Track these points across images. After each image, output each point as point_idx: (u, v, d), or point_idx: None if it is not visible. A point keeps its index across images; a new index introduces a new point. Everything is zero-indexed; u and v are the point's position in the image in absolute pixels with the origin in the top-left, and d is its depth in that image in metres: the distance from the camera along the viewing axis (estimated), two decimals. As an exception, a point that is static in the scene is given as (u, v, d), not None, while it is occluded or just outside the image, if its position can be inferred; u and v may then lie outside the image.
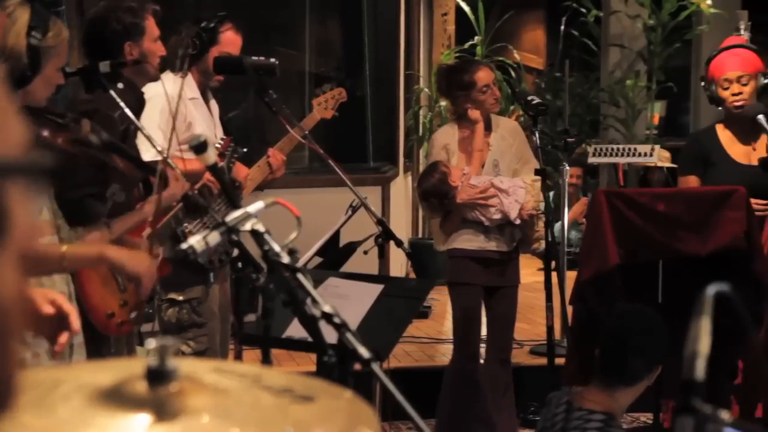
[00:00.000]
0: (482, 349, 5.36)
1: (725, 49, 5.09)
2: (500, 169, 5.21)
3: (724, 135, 5.09)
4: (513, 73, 10.50)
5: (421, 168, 10.66)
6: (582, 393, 3.65)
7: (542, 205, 4.99)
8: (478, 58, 9.37)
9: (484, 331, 5.32)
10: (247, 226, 2.24)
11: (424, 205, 5.30)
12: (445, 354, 6.85)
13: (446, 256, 5.26)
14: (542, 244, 5.44)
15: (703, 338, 1.30)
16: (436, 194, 5.15)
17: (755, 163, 4.99)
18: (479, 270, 5.16)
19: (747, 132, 5.02)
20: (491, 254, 5.16)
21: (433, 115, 10.01)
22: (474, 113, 5.17)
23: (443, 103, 10.05)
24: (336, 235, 5.09)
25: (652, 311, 3.83)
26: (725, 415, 1.28)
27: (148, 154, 3.98)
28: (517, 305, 5.31)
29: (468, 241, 5.16)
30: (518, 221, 5.12)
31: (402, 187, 9.70)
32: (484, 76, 5.20)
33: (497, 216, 5.11)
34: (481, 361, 5.34)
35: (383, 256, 4.51)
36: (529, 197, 5.13)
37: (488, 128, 5.25)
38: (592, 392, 3.62)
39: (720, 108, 5.13)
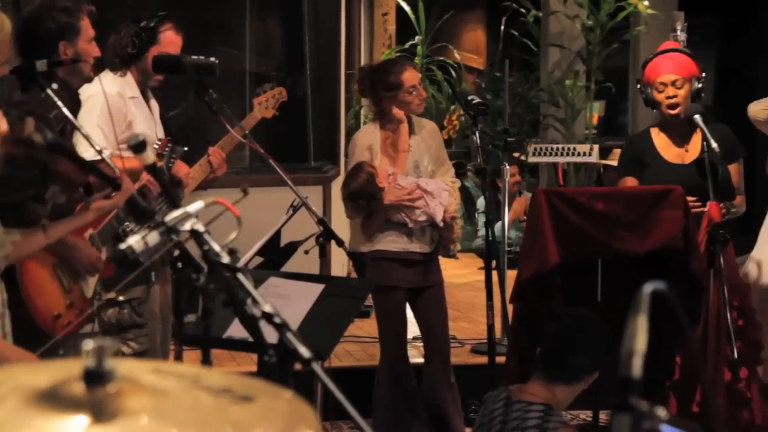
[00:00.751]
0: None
1: (661, 53, 5.14)
2: (420, 171, 5.21)
3: (658, 138, 5.14)
4: (453, 73, 10.54)
5: (350, 163, 10.68)
6: (521, 387, 3.69)
7: (481, 204, 5.01)
8: (418, 58, 9.39)
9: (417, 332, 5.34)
10: (187, 226, 2.22)
11: (351, 206, 5.24)
12: (386, 353, 6.86)
13: (368, 258, 5.22)
14: (458, 246, 5.50)
15: (639, 336, 1.32)
16: (363, 195, 5.11)
17: (688, 162, 5.05)
18: (403, 271, 5.15)
19: (681, 134, 5.08)
20: (414, 255, 5.16)
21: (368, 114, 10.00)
22: (399, 113, 5.15)
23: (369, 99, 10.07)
24: (277, 235, 5.07)
25: (596, 317, 3.89)
26: (662, 412, 1.29)
27: (87, 153, 3.94)
28: (446, 303, 5.32)
29: (392, 242, 5.15)
30: (442, 223, 5.12)
31: (343, 187, 9.68)
32: (410, 76, 5.17)
33: (422, 218, 5.11)
34: (421, 360, 5.35)
35: (324, 255, 4.51)
36: (451, 199, 5.15)
37: (410, 129, 5.23)
38: (532, 386, 3.67)
39: (654, 111, 5.18)
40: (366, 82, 5.31)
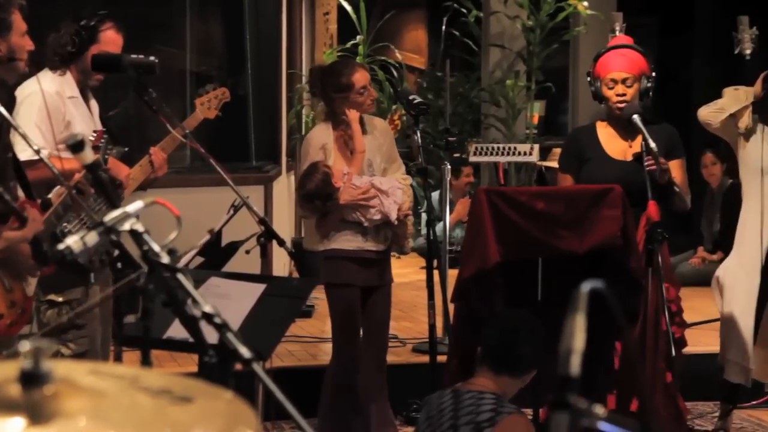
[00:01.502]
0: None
1: (613, 48, 5.16)
2: (374, 169, 5.23)
3: (603, 132, 5.17)
4: (395, 73, 10.55)
5: (303, 164, 10.66)
6: (467, 381, 3.72)
7: (435, 202, 5.03)
8: (360, 58, 9.39)
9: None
10: (126, 226, 2.21)
11: (306, 206, 5.22)
12: (327, 353, 6.84)
13: (322, 257, 5.22)
14: (411, 243, 5.52)
15: (577, 334, 1.33)
16: (319, 196, 5.09)
17: (630, 159, 5.09)
18: (357, 270, 5.16)
19: (626, 130, 5.11)
20: (368, 254, 5.17)
21: (316, 114, 10.00)
22: (352, 114, 5.15)
23: (320, 100, 10.07)
24: (218, 235, 5.05)
25: (534, 318, 3.95)
26: (599, 409, 1.30)
27: (24, 153, 3.89)
28: (391, 303, 5.33)
29: (347, 241, 5.15)
30: (396, 222, 5.14)
31: (285, 186, 9.68)
32: (361, 77, 5.18)
33: (377, 217, 5.12)
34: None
35: (265, 255, 4.49)
36: (404, 197, 5.16)
37: (363, 128, 5.24)
38: (479, 379, 3.70)
39: (602, 104, 5.20)
40: (317, 84, 5.31)
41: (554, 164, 8.42)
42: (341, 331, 5.22)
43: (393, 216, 5.11)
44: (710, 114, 5.55)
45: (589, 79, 5.19)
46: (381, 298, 5.24)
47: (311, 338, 7.29)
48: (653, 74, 5.14)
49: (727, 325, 5.66)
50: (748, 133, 5.55)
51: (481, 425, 3.57)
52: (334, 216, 5.15)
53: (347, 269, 5.15)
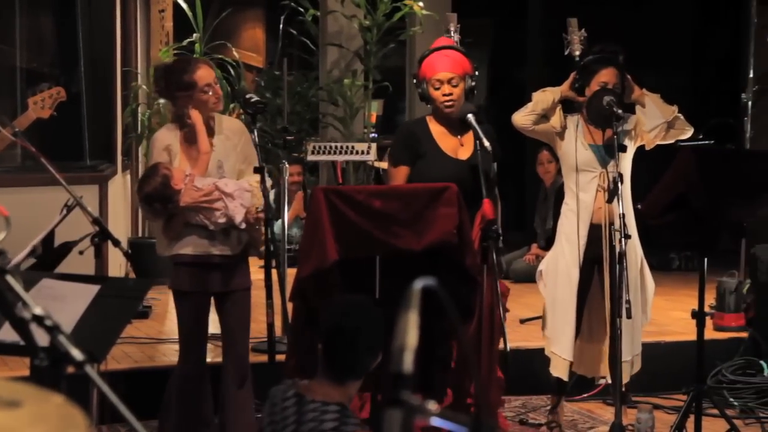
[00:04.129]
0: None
1: (436, 50, 5.25)
2: (224, 171, 5.06)
3: (435, 128, 5.25)
4: (232, 71, 10.48)
5: (141, 166, 10.52)
6: (311, 386, 3.67)
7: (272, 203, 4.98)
8: (197, 56, 9.29)
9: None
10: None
11: (147, 209, 5.06)
12: (165, 354, 6.78)
13: (170, 262, 5.09)
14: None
15: (410, 332, 1.34)
16: (158, 198, 4.93)
17: (463, 157, 5.17)
18: (204, 276, 5.01)
19: (456, 126, 5.19)
20: (217, 259, 5.02)
21: (152, 113, 9.87)
22: (194, 114, 5.01)
23: (162, 100, 9.95)
24: (50, 235, 4.94)
25: (365, 299, 3.89)
26: (432, 406, 1.32)
27: None
28: (249, 309, 5.18)
29: (192, 246, 4.99)
30: (243, 225, 4.99)
31: (120, 186, 9.52)
32: (204, 74, 5.02)
33: (222, 220, 4.96)
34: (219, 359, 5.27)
35: (100, 256, 4.43)
36: (255, 200, 5.00)
37: (211, 128, 5.10)
38: (323, 385, 3.65)
39: (428, 105, 5.28)
40: (161, 83, 5.14)
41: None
42: (186, 338, 5.09)
43: (238, 219, 4.95)
44: (524, 118, 5.66)
45: (415, 81, 5.26)
46: (237, 302, 5.08)
47: (148, 339, 7.19)
48: (476, 73, 5.25)
49: (550, 319, 5.80)
50: (563, 132, 5.70)
51: None
52: (178, 219, 4.99)
53: (193, 275, 5.00)
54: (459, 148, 5.19)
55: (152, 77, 5.47)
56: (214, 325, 5.23)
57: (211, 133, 5.08)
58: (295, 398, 3.63)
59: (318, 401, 3.57)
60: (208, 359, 5.27)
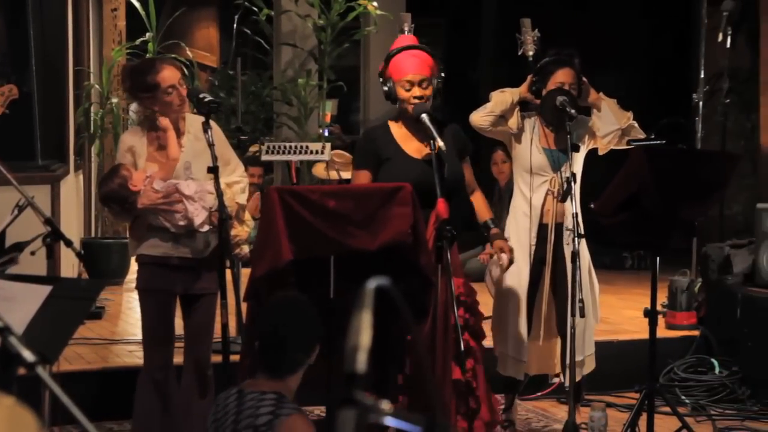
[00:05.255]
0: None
1: (404, 49, 5.20)
2: (192, 172, 5.01)
3: (398, 132, 5.21)
4: (186, 71, 10.43)
5: (94, 166, 10.45)
6: (252, 383, 3.71)
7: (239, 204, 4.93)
8: (150, 55, 9.25)
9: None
10: None
11: (107, 210, 5.09)
12: (118, 355, 6.75)
13: (124, 263, 5.08)
14: (244, 249, 5.37)
15: (364, 331, 1.34)
16: (115, 199, 4.93)
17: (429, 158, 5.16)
18: (167, 276, 4.97)
19: (419, 128, 5.17)
20: (181, 261, 4.98)
21: (105, 113, 9.81)
22: (163, 121, 4.96)
23: (115, 99, 9.90)
24: (1, 236, 4.90)
25: (298, 298, 3.92)
26: (386, 405, 1.32)
27: None
28: (213, 314, 5.11)
29: (154, 247, 4.97)
30: (205, 228, 4.95)
31: (73, 186, 9.46)
32: (168, 76, 4.96)
33: (182, 222, 4.92)
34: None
35: (52, 256, 4.39)
36: (231, 201, 4.97)
37: (180, 129, 5.05)
38: (262, 381, 3.69)
39: (395, 104, 5.22)
40: (126, 83, 5.10)
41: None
42: (148, 337, 5.06)
43: (198, 221, 4.91)
44: (482, 118, 5.68)
45: (381, 79, 5.22)
46: (201, 306, 5.05)
47: (101, 340, 7.15)
48: (442, 74, 5.24)
49: (499, 319, 5.82)
50: (519, 134, 5.73)
51: (260, 429, 3.56)
52: (142, 220, 4.98)
53: (155, 275, 4.97)
54: (423, 149, 5.16)
55: (119, 77, 5.41)
56: (180, 327, 5.21)
57: (179, 134, 5.04)
58: (237, 394, 3.69)
59: (256, 392, 3.62)
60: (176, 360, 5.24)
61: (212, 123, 5.19)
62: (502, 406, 6.03)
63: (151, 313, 5.05)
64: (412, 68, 5.11)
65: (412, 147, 5.19)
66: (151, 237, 4.98)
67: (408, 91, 5.11)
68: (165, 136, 4.98)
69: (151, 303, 5.03)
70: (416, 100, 5.09)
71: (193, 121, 5.10)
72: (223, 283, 4.80)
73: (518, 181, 5.80)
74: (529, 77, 5.70)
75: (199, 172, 5.02)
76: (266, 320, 3.82)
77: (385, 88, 5.18)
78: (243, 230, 5.18)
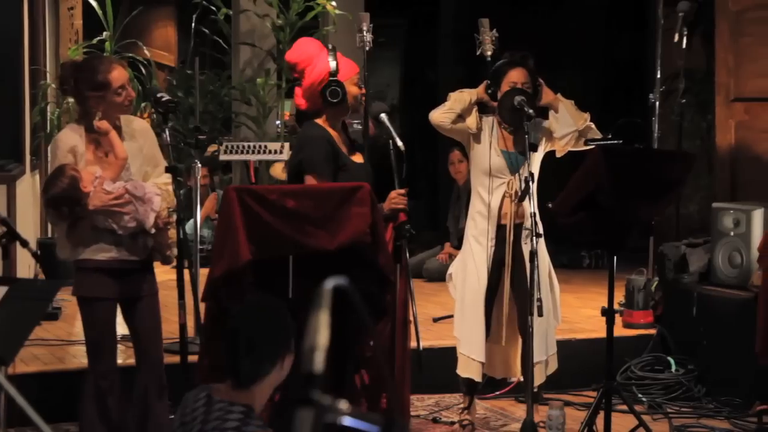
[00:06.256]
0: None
1: (333, 52, 5.15)
2: (131, 173, 4.95)
3: (335, 136, 5.01)
4: (143, 70, 10.39)
5: (50, 166, 10.37)
6: (221, 388, 3.65)
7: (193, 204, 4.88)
8: (107, 54, 9.20)
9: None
10: None
11: (52, 212, 4.89)
12: (75, 356, 6.70)
13: (74, 267, 4.97)
14: (175, 251, 5.33)
15: (321, 331, 1.35)
16: (66, 201, 4.80)
17: (360, 161, 5.09)
18: (111, 282, 4.90)
19: (344, 131, 5.10)
20: (124, 264, 4.91)
21: (62, 112, 9.74)
22: (102, 124, 4.87)
23: (71, 99, 9.82)
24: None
25: (270, 303, 3.83)
26: (344, 405, 1.32)
27: None
28: (159, 314, 5.11)
29: (99, 251, 4.88)
30: (153, 230, 4.91)
31: (29, 186, 9.39)
32: (119, 75, 4.89)
33: (132, 224, 4.86)
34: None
35: (8, 257, 4.36)
36: (164, 204, 4.91)
37: (118, 130, 4.96)
38: (230, 388, 3.63)
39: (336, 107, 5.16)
40: (69, 81, 4.97)
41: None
42: (93, 346, 4.99)
43: (148, 223, 4.86)
44: (442, 116, 5.70)
45: (335, 87, 5.02)
46: (145, 308, 5.00)
47: (58, 341, 7.10)
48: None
49: (459, 320, 5.85)
50: (478, 134, 5.75)
51: None
52: (85, 223, 4.86)
53: (100, 282, 4.88)
54: (352, 152, 5.12)
55: (59, 74, 5.28)
56: (121, 326, 5.17)
57: (118, 134, 4.97)
58: (206, 398, 3.62)
59: (225, 401, 3.56)
60: (120, 360, 5.20)
61: (145, 124, 5.16)
62: (462, 406, 6.06)
63: (94, 324, 4.96)
64: (353, 65, 5.07)
65: (346, 150, 5.09)
66: (94, 241, 4.88)
67: (360, 88, 5.06)
68: (107, 137, 4.90)
69: (96, 313, 4.94)
70: (362, 96, 5.07)
71: (128, 122, 5.05)
72: (181, 283, 4.78)
73: (476, 183, 5.82)
74: (484, 82, 5.73)
75: (136, 174, 4.97)
76: (234, 324, 3.73)
77: (340, 93, 4.93)
78: (173, 232, 5.11)
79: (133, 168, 4.97)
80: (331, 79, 4.95)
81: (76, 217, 4.87)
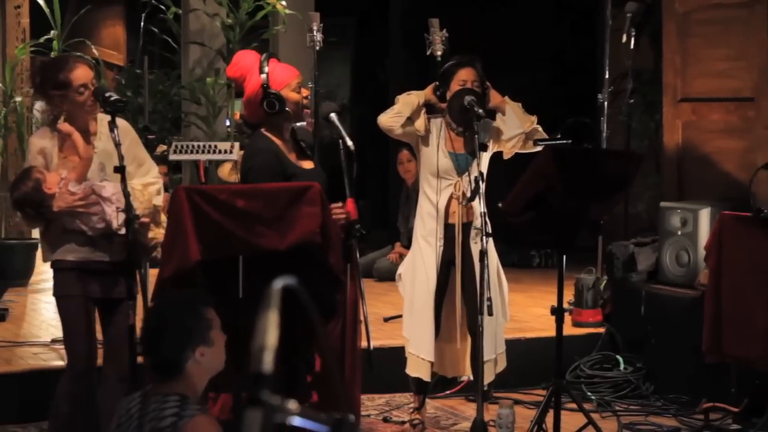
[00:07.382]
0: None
1: (271, 57, 5.14)
2: (107, 173, 4.91)
3: (281, 144, 4.97)
4: (92, 69, 10.30)
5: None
6: (155, 385, 3.66)
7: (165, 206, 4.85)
8: (54, 53, 9.12)
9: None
10: None
11: (21, 214, 4.92)
12: (23, 357, 6.64)
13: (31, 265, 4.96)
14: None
15: (270, 331, 1.35)
16: (30, 202, 4.79)
17: (307, 167, 5.05)
18: (85, 281, 4.88)
19: (289, 137, 5.08)
20: (99, 265, 4.89)
21: (8, 111, 9.65)
22: (64, 126, 4.84)
23: (18, 98, 9.74)
24: None
25: (182, 297, 3.83)
26: (293, 405, 1.33)
27: None
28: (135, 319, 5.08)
29: (71, 251, 4.86)
30: (123, 230, 4.81)
31: (-22, 186, 9.29)
32: (81, 74, 4.85)
33: (100, 225, 4.83)
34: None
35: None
36: (138, 204, 4.84)
37: (89, 130, 4.94)
38: (160, 383, 3.64)
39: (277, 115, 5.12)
40: (36, 78, 4.97)
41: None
42: (69, 343, 4.98)
43: (116, 224, 4.81)
44: (390, 120, 5.70)
45: (273, 97, 4.93)
46: (123, 309, 4.90)
47: (5, 342, 7.03)
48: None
49: (408, 320, 5.86)
50: (427, 136, 5.77)
51: (164, 431, 3.51)
52: (56, 225, 4.85)
53: (72, 281, 4.87)
54: (299, 159, 5.10)
55: (23, 75, 5.26)
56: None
57: (90, 135, 4.94)
58: (140, 398, 3.64)
59: (159, 394, 3.57)
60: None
61: (126, 123, 5.13)
62: (412, 405, 6.07)
63: (71, 318, 4.93)
64: (293, 70, 5.05)
65: (294, 158, 5.07)
66: (66, 242, 4.88)
67: (298, 92, 5.03)
68: (71, 138, 4.88)
69: (72, 308, 4.92)
70: (306, 101, 5.05)
71: (105, 121, 4.98)
72: (132, 284, 4.75)
73: (424, 184, 5.85)
74: (433, 83, 5.75)
75: (112, 174, 4.89)
76: (146, 319, 3.78)
77: (277, 102, 4.91)
78: (159, 232, 5.07)
79: (109, 168, 4.91)
80: (267, 90, 4.93)
81: (43, 218, 4.87)
